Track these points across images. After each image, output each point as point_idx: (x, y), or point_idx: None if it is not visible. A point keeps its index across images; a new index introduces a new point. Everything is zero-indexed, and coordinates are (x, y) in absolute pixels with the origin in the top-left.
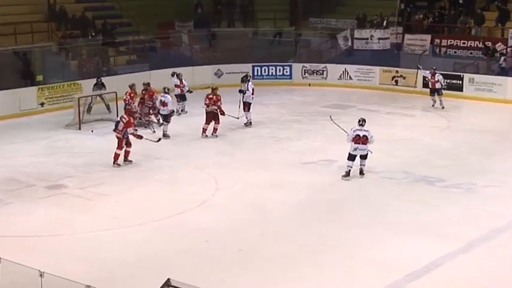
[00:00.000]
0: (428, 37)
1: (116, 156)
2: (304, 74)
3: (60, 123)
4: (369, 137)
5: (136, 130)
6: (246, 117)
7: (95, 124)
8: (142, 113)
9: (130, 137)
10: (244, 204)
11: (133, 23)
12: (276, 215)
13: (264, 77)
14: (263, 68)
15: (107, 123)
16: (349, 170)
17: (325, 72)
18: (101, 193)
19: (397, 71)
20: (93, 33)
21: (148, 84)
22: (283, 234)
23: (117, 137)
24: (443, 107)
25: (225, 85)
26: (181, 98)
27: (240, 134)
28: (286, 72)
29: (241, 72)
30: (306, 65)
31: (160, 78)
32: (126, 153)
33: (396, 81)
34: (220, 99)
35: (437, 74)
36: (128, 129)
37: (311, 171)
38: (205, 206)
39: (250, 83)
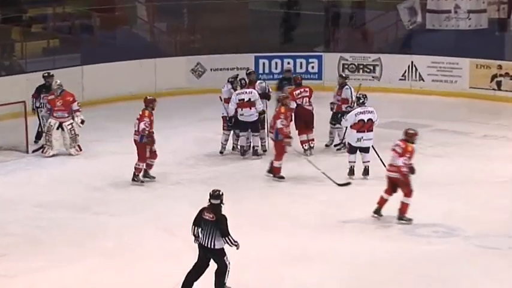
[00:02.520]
0: None
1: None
2: (343, 70)
3: None
4: (374, 120)
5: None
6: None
7: None
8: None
9: None
10: None
11: None
12: None
13: (275, 76)
14: (273, 62)
15: (11, 157)
16: (353, 167)
17: (378, 68)
18: (1, 274)
19: (499, 67)
20: None
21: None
22: None
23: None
24: (339, 147)
25: (208, 90)
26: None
27: (239, 170)
28: (313, 67)
29: (236, 69)
30: (346, 55)
31: (99, 77)
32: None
33: (498, 83)
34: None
35: (346, 87)
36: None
37: (354, 235)
38: None
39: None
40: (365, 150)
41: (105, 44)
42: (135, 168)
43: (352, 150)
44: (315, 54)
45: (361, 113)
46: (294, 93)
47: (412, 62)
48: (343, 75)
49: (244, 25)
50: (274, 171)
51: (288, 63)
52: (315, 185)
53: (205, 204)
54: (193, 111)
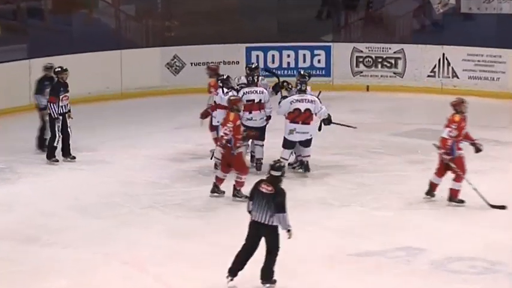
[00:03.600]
0: None
1: None
2: (357, 65)
3: None
4: (314, 110)
5: None
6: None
7: None
8: None
9: None
10: None
11: None
12: None
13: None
14: (269, 54)
15: None
16: (284, 165)
17: (400, 63)
18: None
19: None
20: None
21: None
22: None
23: None
24: (295, 165)
25: (188, 89)
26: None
27: (230, 191)
28: (319, 61)
29: (223, 63)
30: (361, 46)
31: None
32: None
33: None
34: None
35: (261, 79)
36: None
37: (370, 271)
38: None
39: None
40: (305, 143)
41: (58, 32)
42: (237, 182)
43: (286, 144)
44: (322, 44)
45: (297, 100)
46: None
47: (443, 55)
48: (302, 72)
49: (232, 8)
50: (452, 195)
51: (288, 55)
52: (322, 209)
53: (182, 232)
54: (169, 117)
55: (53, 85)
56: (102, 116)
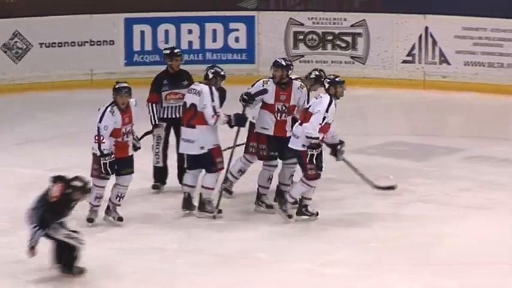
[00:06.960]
0: None
1: None
2: (296, 45)
3: None
4: (201, 108)
5: None
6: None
7: None
8: None
9: None
10: None
11: None
12: None
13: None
14: (161, 30)
15: None
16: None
17: (361, 41)
18: None
19: None
20: None
21: None
22: None
23: None
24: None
25: (36, 85)
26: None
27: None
28: (237, 40)
29: (90, 44)
30: (300, 16)
31: None
32: None
33: None
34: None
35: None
36: None
37: None
38: None
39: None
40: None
41: None
42: None
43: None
44: (242, 14)
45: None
46: None
47: (426, 29)
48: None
49: None
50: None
51: (190, 31)
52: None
53: None
54: (6, 127)
55: (158, 76)
56: None
